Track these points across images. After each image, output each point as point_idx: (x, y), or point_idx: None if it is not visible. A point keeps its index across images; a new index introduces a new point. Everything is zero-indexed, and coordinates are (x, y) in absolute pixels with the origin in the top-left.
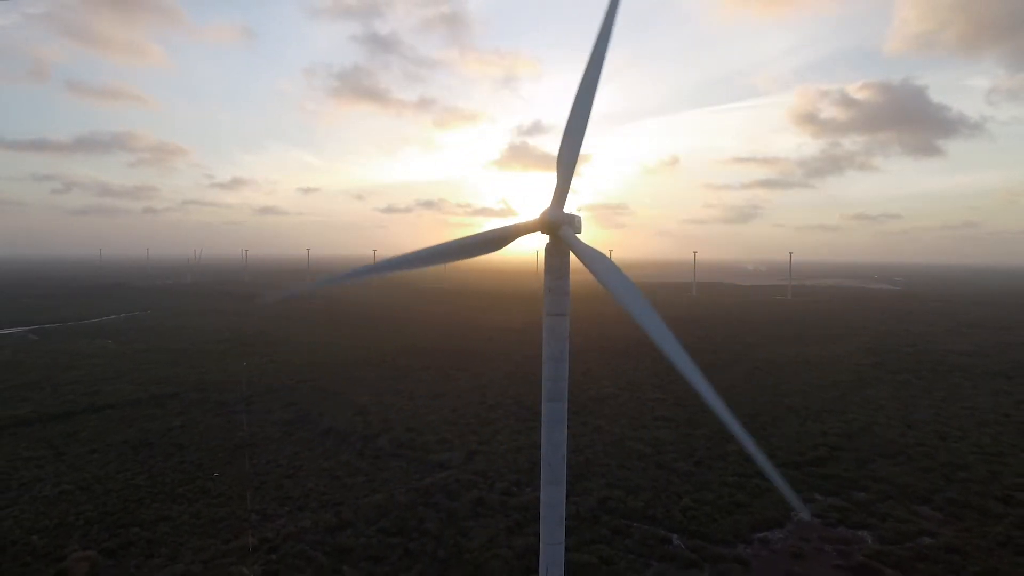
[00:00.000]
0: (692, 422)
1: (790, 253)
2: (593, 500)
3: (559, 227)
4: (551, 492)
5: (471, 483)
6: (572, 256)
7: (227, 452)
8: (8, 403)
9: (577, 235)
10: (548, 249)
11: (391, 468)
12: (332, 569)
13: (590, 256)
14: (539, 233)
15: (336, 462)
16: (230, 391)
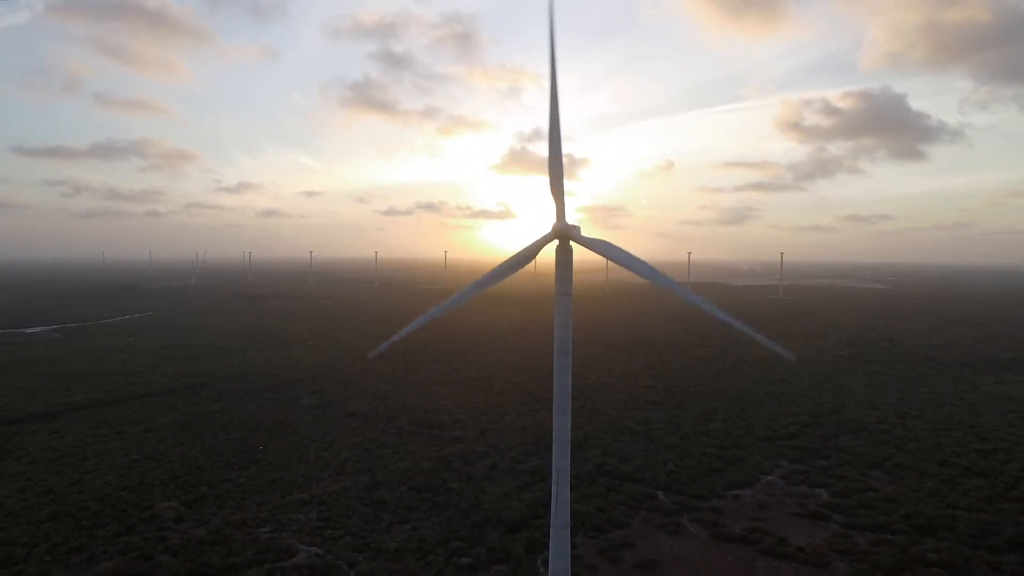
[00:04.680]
0: (680, 405)
1: (781, 253)
2: (591, 465)
3: (565, 233)
4: (560, 420)
5: (485, 453)
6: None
7: (266, 431)
8: (59, 392)
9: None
10: (558, 250)
11: (413, 442)
12: (374, 516)
13: (594, 242)
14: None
15: (364, 438)
16: (257, 381)
